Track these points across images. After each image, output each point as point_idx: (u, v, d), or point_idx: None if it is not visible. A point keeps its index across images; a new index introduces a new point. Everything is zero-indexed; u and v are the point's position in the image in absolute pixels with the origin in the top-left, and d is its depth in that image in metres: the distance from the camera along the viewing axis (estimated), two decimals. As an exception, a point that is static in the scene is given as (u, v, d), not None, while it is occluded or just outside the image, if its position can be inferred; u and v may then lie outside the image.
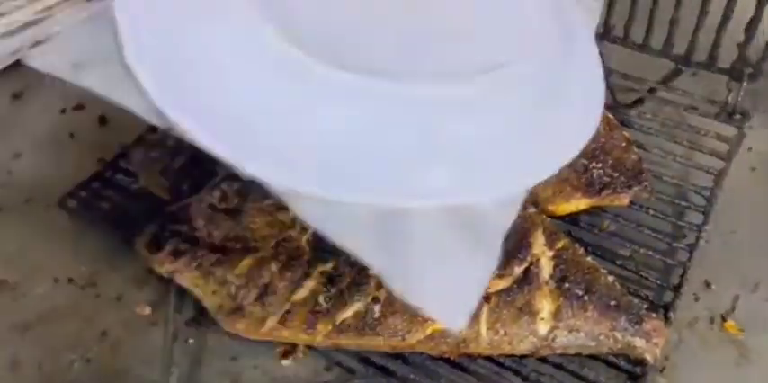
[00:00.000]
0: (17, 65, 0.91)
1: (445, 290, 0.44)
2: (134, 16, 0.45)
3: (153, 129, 0.75)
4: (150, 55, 0.44)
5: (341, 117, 0.44)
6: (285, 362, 0.61)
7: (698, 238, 0.63)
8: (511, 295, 0.58)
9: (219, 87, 0.44)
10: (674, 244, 0.64)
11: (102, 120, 0.83)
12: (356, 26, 0.48)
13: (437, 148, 0.46)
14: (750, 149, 0.72)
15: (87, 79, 0.44)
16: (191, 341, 0.62)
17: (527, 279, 0.58)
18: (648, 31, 0.71)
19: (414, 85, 0.45)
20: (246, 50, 0.45)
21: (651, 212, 0.66)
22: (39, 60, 0.46)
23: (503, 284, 0.58)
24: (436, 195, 0.46)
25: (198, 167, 0.68)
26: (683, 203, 0.66)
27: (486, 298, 0.57)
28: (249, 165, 0.42)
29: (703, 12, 0.66)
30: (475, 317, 0.56)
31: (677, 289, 0.61)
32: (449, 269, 0.45)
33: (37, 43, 0.94)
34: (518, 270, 0.59)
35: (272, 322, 0.58)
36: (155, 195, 0.71)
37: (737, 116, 0.71)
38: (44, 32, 0.94)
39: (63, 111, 0.86)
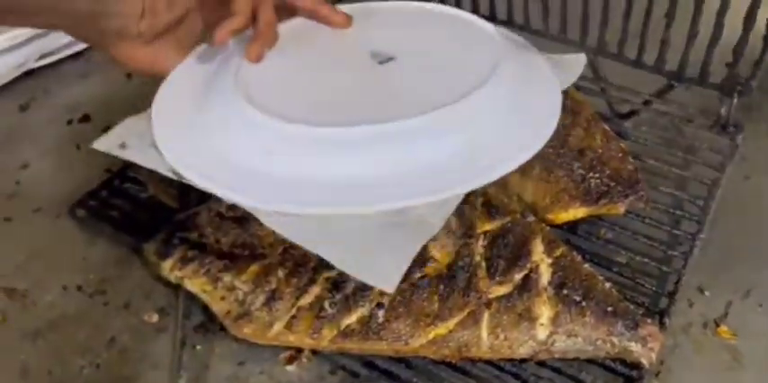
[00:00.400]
0: (24, 77, 0.93)
1: (377, 263, 0.58)
2: (161, 112, 0.63)
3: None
4: (169, 137, 0.61)
5: (313, 157, 0.57)
6: (290, 367, 0.62)
7: (692, 246, 0.65)
8: (511, 301, 0.59)
9: (214, 150, 0.59)
10: (670, 252, 0.65)
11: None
12: (330, 95, 0.61)
13: (392, 171, 0.57)
14: (744, 159, 0.73)
15: (129, 154, 0.63)
16: (198, 347, 0.64)
17: (526, 285, 0.60)
18: (641, 48, 0.72)
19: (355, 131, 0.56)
20: (238, 126, 0.59)
21: (647, 221, 0.67)
22: (99, 143, 0.65)
23: (503, 290, 0.59)
24: (386, 202, 0.55)
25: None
26: (679, 212, 0.68)
27: (487, 304, 0.59)
28: (232, 196, 0.57)
29: (692, 33, 0.68)
30: (476, 322, 0.58)
31: (672, 295, 0.62)
32: (380, 248, 0.58)
33: (42, 56, 0.96)
34: (518, 277, 0.60)
35: (278, 327, 0.60)
36: (163, 204, 0.72)
37: (731, 128, 0.72)
38: (49, 45, 0.95)
39: (69, 122, 0.87)
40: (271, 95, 0.60)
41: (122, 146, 0.63)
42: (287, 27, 0.67)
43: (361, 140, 0.56)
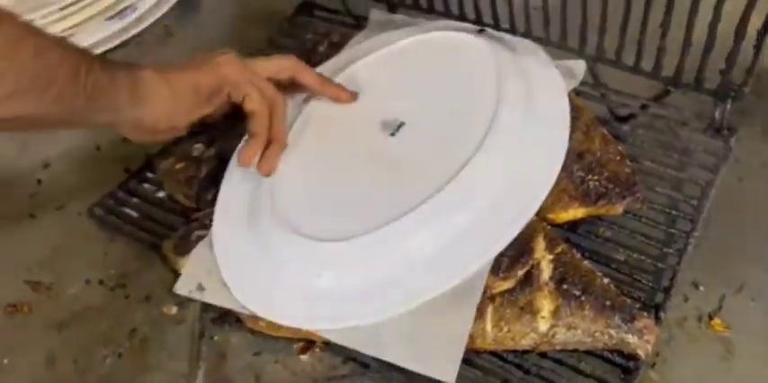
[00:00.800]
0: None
1: (433, 356, 0.59)
2: (222, 249, 0.67)
3: (177, 141, 0.80)
4: (234, 273, 0.65)
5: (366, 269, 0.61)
6: (303, 357, 0.65)
7: (686, 244, 0.67)
8: (514, 295, 0.61)
9: (272, 286, 0.63)
10: (665, 250, 0.67)
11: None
12: (354, 195, 0.65)
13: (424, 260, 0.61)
14: (738, 161, 0.76)
15: (207, 297, 0.65)
16: (216, 338, 0.67)
17: (529, 280, 0.62)
18: (638, 55, 0.75)
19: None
20: (278, 252, 0.63)
21: (644, 220, 0.69)
22: (180, 288, 0.65)
23: (506, 285, 0.62)
24: (420, 296, 0.59)
25: (221, 177, 0.72)
26: (674, 212, 0.70)
27: (491, 298, 0.61)
28: (311, 327, 0.61)
29: (686, 43, 0.70)
30: (480, 315, 0.60)
31: (667, 290, 0.64)
32: (431, 338, 0.59)
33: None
34: (520, 272, 0.62)
35: (292, 320, 0.63)
36: (178, 204, 0.75)
37: (725, 131, 0.74)
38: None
39: (89, 124, 0.90)
40: (305, 216, 0.63)
41: (200, 287, 0.65)
42: (304, 114, 0.72)
43: (396, 236, 0.60)
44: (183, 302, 0.69)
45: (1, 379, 0.66)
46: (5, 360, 0.67)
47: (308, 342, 0.65)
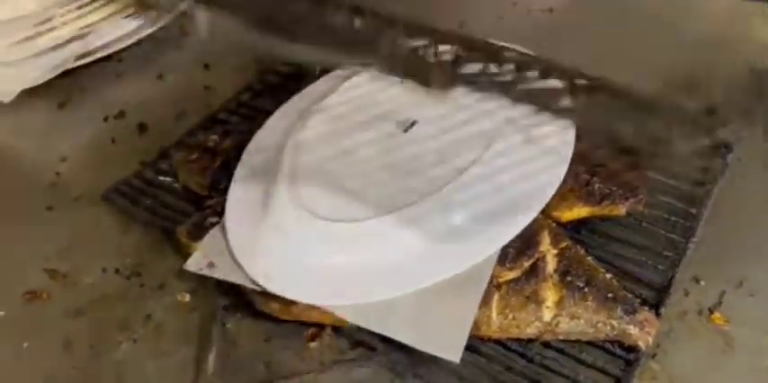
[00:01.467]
0: (62, 76, 0.98)
1: (439, 336, 0.60)
2: (235, 229, 0.69)
3: (191, 133, 0.82)
4: (246, 251, 0.67)
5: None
6: (312, 344, 0.66)
7: (686, 246, 0.69)
8: (519, 284, 0.63)
9: (289, 257, 0.65)
10: (665, 252, 0.69)
11: (142, 127, 0.90)
12: (368, 182, 0.68)
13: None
14: (739, 160, 0.77)
15: (218, 273, 0.67)
16: (228, 325, 0.68)
17: (534, 271, 0.63)
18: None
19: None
20: (293, 231, 0.66)
21: (646, 222, 0.71)
22: (190, 265, 0.68)
23: (512, 275, 0.63)
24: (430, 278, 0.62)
25: (234, 167, 0.75)
26: (674, 218, 0.71)
27: (498, 287, 0.63)
28: (319, 302, 0.63)
29: None
30: (486, 303, 0.62)
31: (667, 289, 0.66)
32: (436, 317, 0.61)
33: (79, 57, 1.01)
34: (526, 263, 0.63)
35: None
36: (192, 192, 0.77)
37: (722, 149, 0.76)
38: (85, 47, 1.00)
39: (105, 118, 0.92)
40: (321, 199, 0.66)
41: (210, 265, 0.68)
42: (321, 111, 0.75)
43: (408, 221, 0.62)
44: (197, 290, 0.71)
45: (20, 362, 0.67)
46: (24, 345, 0.68)
47: (318, 329, 0.66)
